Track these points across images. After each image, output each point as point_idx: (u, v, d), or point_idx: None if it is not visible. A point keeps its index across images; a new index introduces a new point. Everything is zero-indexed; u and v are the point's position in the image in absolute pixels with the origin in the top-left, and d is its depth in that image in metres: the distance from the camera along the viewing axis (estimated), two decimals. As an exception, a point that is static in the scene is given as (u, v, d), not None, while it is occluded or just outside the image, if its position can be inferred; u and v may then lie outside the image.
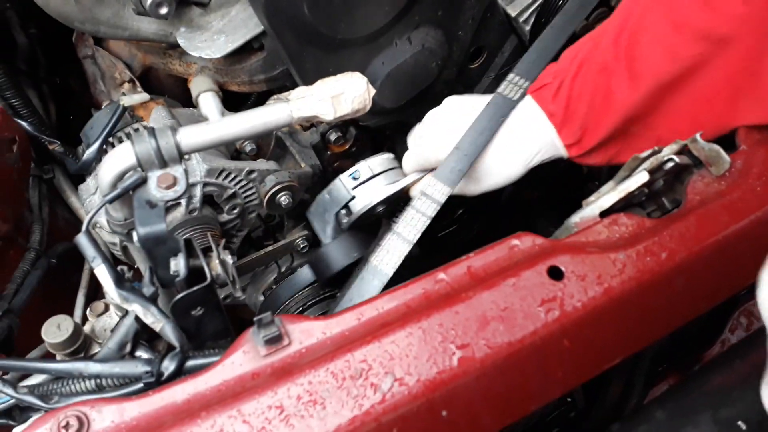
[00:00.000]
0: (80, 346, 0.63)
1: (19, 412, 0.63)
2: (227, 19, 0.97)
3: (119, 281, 0.58)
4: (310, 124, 1.07)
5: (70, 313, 1.02)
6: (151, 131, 0.57)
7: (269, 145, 1.09)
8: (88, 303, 1.03)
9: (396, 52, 0.96)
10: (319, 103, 0.62)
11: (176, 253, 0.59)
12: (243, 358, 0.55)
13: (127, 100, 0.96)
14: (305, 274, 1.04)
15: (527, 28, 1.10)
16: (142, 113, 0.99)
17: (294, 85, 1.04)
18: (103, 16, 0.90)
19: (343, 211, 0.93)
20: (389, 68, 0.96)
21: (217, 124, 0.61)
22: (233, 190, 0.96)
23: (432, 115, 0.85)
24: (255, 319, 0.55)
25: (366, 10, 0.86)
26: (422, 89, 1.03)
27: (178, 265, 0.57)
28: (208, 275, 0.58)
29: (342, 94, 0.63)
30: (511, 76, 0.82)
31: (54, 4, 0.85)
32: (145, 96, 0.98)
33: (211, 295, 0.59)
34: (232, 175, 0.94)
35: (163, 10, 0.86)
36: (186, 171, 0.59)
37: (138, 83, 1.09)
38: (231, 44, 0.94)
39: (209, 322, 0.61)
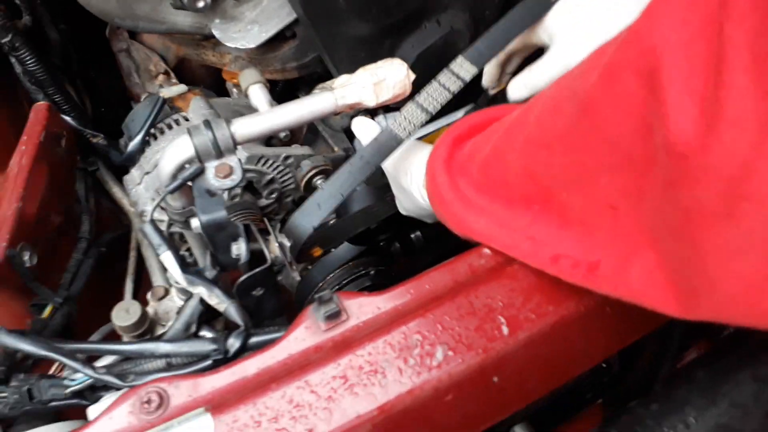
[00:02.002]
0: (146, 328, 0.67)
1: (91, 392, 0.67)
2: (259, 9, 0.99)
3: (184, 266, 0.62)
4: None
5: (119, 298, 1.08)
6: (207, 124, 0.61)
7: (302, 130, 1.12)
8: (135, 288, 1.08)
9: (425, 34, 0.98)
10: (362, 90, 0.65)
11: (235, 237, 0.63)
12: (305, 333, 0.58)
13: (166, 92, 0.99)
14: (337, 254, 1.07)
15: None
16: (181, 104, 1.02)
17: (325, 72, 1.07)
18: (141, 11, 0.93)
19: None
20: (418, 51, 0.98)
21: (268, 114, 0.64)
22: (271, 176, 1.00)
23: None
24: (316, 296, 0.58)
25: (396, -4, 0.89)
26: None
27: (239, 249, 0.61)
28: (269, 257, 0.61)
29: (383, 81, 0.66)
30: None
31: (95, 1, 0.89)
32: (183, 88, 1.01)
33: (270, 276, 0.63)
34: (270, 161, 0.98)
35: (200, 4, 0.89)
36: (240, 160, 0.62)
37: (173, 74, 1.13)
38: (265, 34, 0.97)
39: (268, 301, 0.65)
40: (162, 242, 0.62)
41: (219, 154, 0.61)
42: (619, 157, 0.42)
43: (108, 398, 0.64)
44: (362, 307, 0.60)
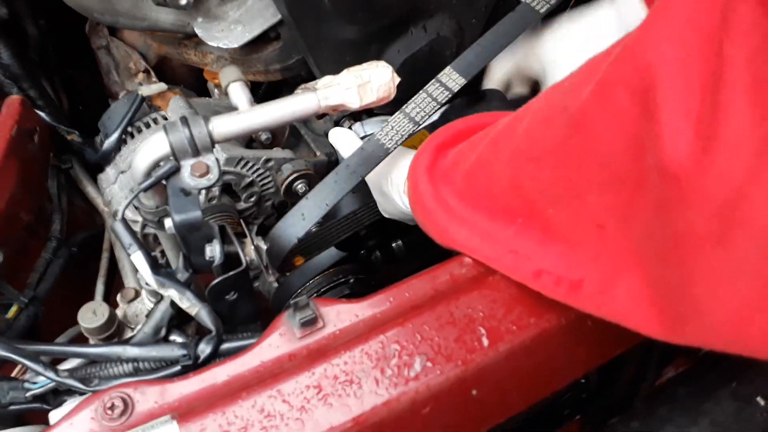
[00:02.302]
0: (114, 331, 0.65)
1: (53, 396, 0.64)
2: (244, 8, 0.98)
3: (155, 267, 0.60)
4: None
5: (89, 299, 1.04)
6: (184, 120, 0.59)
7: (284, 134, 1.10)
8: (107, 290, 1.05)
9: (411, 40, 0.97)
10: (346, 91, 0.64)
11: (210, 239, 0.61)
12: (279, 340, 0.56)
13: (145, 90, 0.97)
14: (316, 261, 1.06)
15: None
16: (160, 103, 1.00)
17: (309, 74, 1.05)
18: (122, 7, 0.91)
19: None
20: (404, 56, 0.97)
21: (248, 113, 0.62)
22: (251, 179, 0.98)
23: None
24: (291, 302, 0.56)
25: (383, 1, 0.88)
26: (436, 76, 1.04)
27: (213, 251, 0.59)
28: (244, 261, 0.59)
29: (368, 83, 0.64)
30: None
31: (74, -6, 0.86)
32: (163, 86, 0.99)
33: (245, 280, 0.61)
34: (250, 164, 0.96)
35: (183, 1, 0.87)
36: (218, 159, 0.60)
37: (153, 73, 1.10)
38: (248, 34, 0.95)
39: (242, 306, 0.63)
40: (133, 242, 0.60)
41: (195, 152, 0.59)
42: (610, 176, 0.41)
43: (71, 403, 0.62)
44: (339, 315, 0.59)
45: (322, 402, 0.53)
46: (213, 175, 0.60)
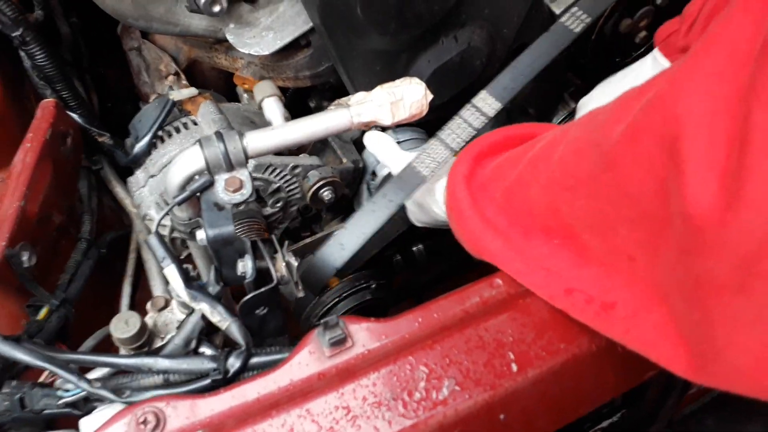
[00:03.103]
0: (145, 341, 0.65)
1: (84, 403, 0.66)
2: (275, 15, 0.98)
3: (187, 280, 0.61)
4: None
5: (116, 301, 1.06)
6: (219, 136, 0.59)
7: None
8: (133, 292, 1.06)
9: (442, 50, 0.97)
10: (379, 108, 0.64)
11: (242, 253, 0.61)
12: (309, 358, 0.57)
13: (176, 95, 0.98)
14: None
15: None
16: (190, 107, 1.01)
17: (338, 82, 1.05)
18: (156, 12, 0.92)
19: (371, 177, 0.95)
20: (435, 66, 0.97)
21: (282, 129, 0.62)
22: (278, 185, 0.98)
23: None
24: (321, 321, 0.57)
25: (417, 9, 0.87)
26: (465, 86, 1.04)
27: (246, 266, 0.60)
28: (275, 277, 0.60)
29: (401, 100, 0.64)
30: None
31: (110, 1, 0.87)
32: (194, 91, 1.00)
33: (275, 296, 0.61)
34: (278, 170, 0.96)
35: (216, 8, 0.88)
36: (250, 174, 0.61)
37: (183, 76, 1.11)
38: (279, 41, 0.95)
39: (271, 320, 0.63)
40: (166, 255, 0.60)
41: (230, 167, 0.60)
42: (639, 214, 0.42)
43: (101, 410, 0.63)
44: (368, 334, 0.59)
45: (351, 423, 0.53)
46: (246, 191, 0.61)
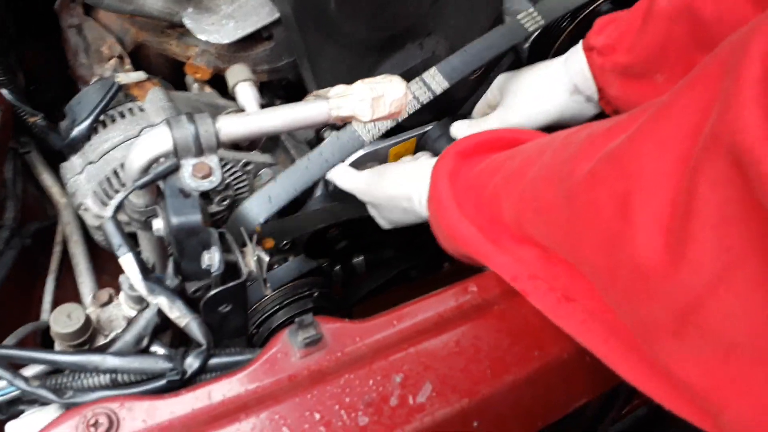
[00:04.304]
0: (88, 337, 0.60)
1: (8, 406, 0.59)
2: (237, 4, 0.94)
3: (145, 272, 0.56)
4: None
5: (35, 297, 0.97)
6: (190, 117, 0.55)
7: (261, 138, 1.07)
8: (57, 288, 0.98)
9: (407, 56, 0.96)
10: (360, 103, 0.62)
11: (207, 245, 0.57)
12: (279, 359, 0.54)
13: (123, 78, 0.92)
14: (280, 272, 1.03)
15: (526, 45, 1.13)
16: (137, 92, 0.95)
17: (295, 79, 1.03)
18: (109, -13, 0.86)
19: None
20: (399, 71, 0.95)
21: (257, 115, 0.59)
22: (227, 181, 0.94)
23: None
24: (296, 320, 0.54)
25: (390, 11, 0.86)
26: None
27: (212, 258, 0.55)
28: (244, 272, 0.56)
29: (382, 97, 0.63)
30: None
31: (58, -32, 0.81)
32: (142, 75, 0.94)
33: (242, 293, 0.57)
34: (229, 165, 0.92)
35: (177, -11, 0.83)
36: (219, 162, 0.57)
37: (127, 59, 1.04)
38: (240, 31, 0.91)
39: (233, 319, 0.59)
40: (123, 242, 0.55)
41: (199, 151, 0.56)
42: (590, 251, 0.46)
43: (32, 413, 0.56)
44: (341, 336, 0.56)
45: (325, 428, 0.50)
46: (215, 178, 0.57)
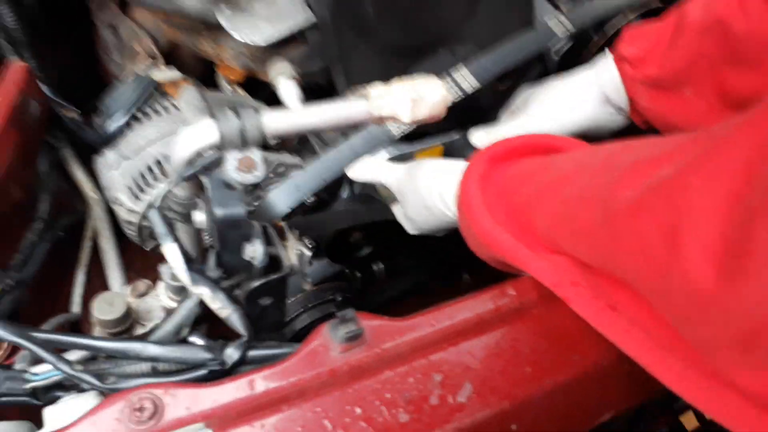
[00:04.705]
0: (128, 326, 0.60)
1: (44, 391, 0.59)
2: (273, 7, 0.95)
3: (188, 261, 0.56)
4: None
5: (65, 290, 0.98)
6: (236, 111, 0.56)
7: (292, 139, 1.07)
8: (88, 281, 0.98)
9: (437, 61, 0.97)
10: (399, 103, 0.63)
11: (249, 238, 0.57)
12: (320, 353, 0.54)
13: (158, 75, 0.93)
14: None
15: (556, 59, 1.13)
16: (171, 91, 0.96)
17: (327, 84, 1.03)
18: (150, -15, 0.87)
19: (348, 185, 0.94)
20: (430, 77, 0.97)
21: (300, 112, 0.60)
22: (258, 182, 0.95)
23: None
24: (338, 314, 0.54)
25: (424, 20, 0.87)
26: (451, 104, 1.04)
27: (255, 251, 0.56)
28: (285, 265, 0.56)
29: (422, 99, 0.63)
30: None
31: (103, -35, 0.82)
32: (177, 74, 0.95)
33: (283, 286, 0.58)
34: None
35: (218, -11, 0.84)
36: (264, 156, 0.58)
37: (161, 58, 1.06)
38: (276, 33, 0.92)
39: (272, 313, 0.60)
40: (167, 232, 0.56)
41: (244, 145, 0.57)
42: (631, 276, 0.45)
43: (68, 400, 0.57)
44: (380, 333, 0.56)
45: (365, 423, 0.50)
46: (259, 172, 0.58)
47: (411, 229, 0.84)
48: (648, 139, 0.50)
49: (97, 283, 0.99)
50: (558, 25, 0.94)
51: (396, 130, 0.81)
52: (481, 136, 0.95)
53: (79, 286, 0.94)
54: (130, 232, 0.92)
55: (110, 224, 1.01)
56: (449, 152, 1.06)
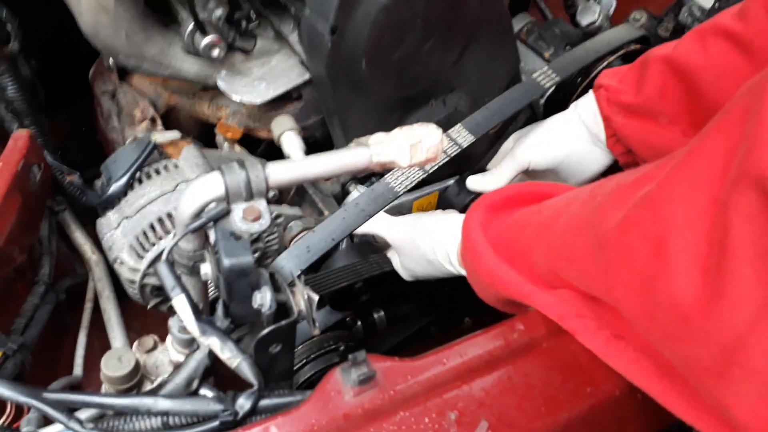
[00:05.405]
0: (136, 382, 0.59)
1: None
2: (267, 67, 0.98)
3: (197, 313, 0.56)
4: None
5: (68, 351, 0.96)
6: (242, 164, 0.57)
7: (289, 192, 1.09)
8: (89, 343, 0.97)
9: (431, 111, 1.00)
10: (399, 149, 0.64)
11: (256, 286, 0.57)
12: (333, 397, 0.53)
13: (159, 137, 0.94)
14: (305, 325, 1.02)
15: (542, 101, 1.17)
16: (171, 151, 0.97)
17: (323, 137, 1.05)
18: (149, 52, 0.90)
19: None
20: (423, 127, 0.99)
21: (303, 162, 0.61)
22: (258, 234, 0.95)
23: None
24: (349, 356, 0.53)
25: (415, 71, 0.90)
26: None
27: (264, 298, 0.56)
28: (295, 311, 0.56)
29: (419, 143, 0.65)
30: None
31: (103, 36, 0.85)
32: (176, 134, 0.97)
33: (292, 333, 0.57)
34: (260, 219, 0.93)
35: (215, 53, 0.87)
36: (268, 206, 0.58)
37: (159, 121, 1.08)
38: (272, 91, 0.95)
39: (281, 360, 0.59)
40: (176, 284, 0.56)
41: (249, 196, 0.57)
42: (623, 295, 0.46)
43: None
44: (392, 374, 0.56)
45: (384, 466, 0.49)
46: (264, 221, 0.58)
47: (407, 276, 0.86)
48: (626, 171, 0.52)
49: (98, 344, 0.98)
50: (544, 77, 0.98)
51: (399, 186, 0.84)
52: (477, 180, 0.98)
53: (81, 348, 0.93)
54: (133, 291, 0.92)
55: (112, 285, 1.01)
56: (444, 198, 1.08)
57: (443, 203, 1.08)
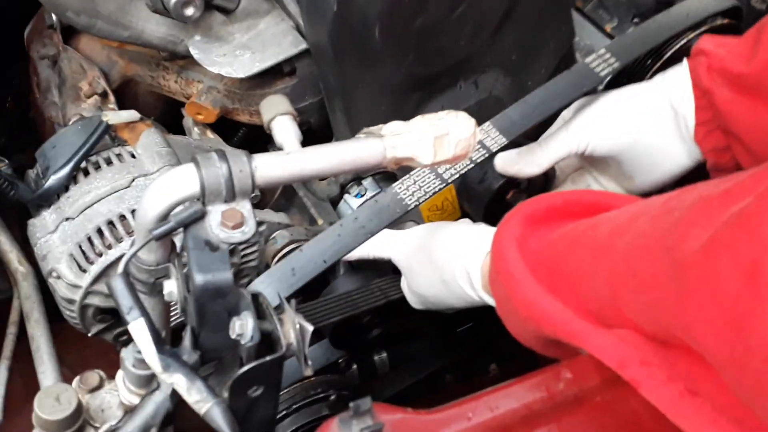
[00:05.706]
0: (79, 427, 0.60)
1: None
2: (253, 32, 1.00)
3: (159, 342, 0.57)
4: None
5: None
6: (223, 155, 0.58)
7: (274, 193, 1.10)
8: (11, 379, 0.98)
9: (459, 95, 1.02)
10: (419, 142, 0.65)
11: (234, 310, 0.58)
12: (329, 456, 0.54)
13: (113, 117, 0.96)
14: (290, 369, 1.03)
15: (600, 87, 1.18)
16: (127, 135, 0.99)
17: (319, 124, 1.07)
18: (105, 9, 0.91)
19: None
20: (449, 114, 1.00)
21: (300, 154, 0.62)
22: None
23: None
24: (351, 405, 0.55)
25: (441, 42, 0.92)
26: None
27: (244, 326, 0.57)
28: (283, 344, 0.57)
29: (446, 135, 0.66)
30: None
31: (49, -14, 0.87)
32: (135, 114, 0.98)
33: (278, 372, 0.58)
34: (236, 226, 0.94)
35: (189, 11, 0.89)
36: (253, 209, 0.60)
37: (112, 97, 1.10)
38: (259, 63, 0.97)
39: (263, 406, 0.60)
40: (134, 305, 0.57)
41: (231, 196, 0.58)
42: (702, 335, 0.46)
43: None
44: (403, 429, 0.57)
45: None
46: (248, 228, 0.59)
47: (416, 303, 0.86)
48: (710, 180, 0.52)
49: (21, 380, 1.00)
50: (600, 62, 0.97)
51: (410, 198, 0.83)
52: (510, 159, 0.93)
53: (1, 386, 0.94)
54: (70, 314, 0.93)
55: (42, 304, 1.02)
56: (462, 188, 1.05)
57: (461, 193, 1.06)
